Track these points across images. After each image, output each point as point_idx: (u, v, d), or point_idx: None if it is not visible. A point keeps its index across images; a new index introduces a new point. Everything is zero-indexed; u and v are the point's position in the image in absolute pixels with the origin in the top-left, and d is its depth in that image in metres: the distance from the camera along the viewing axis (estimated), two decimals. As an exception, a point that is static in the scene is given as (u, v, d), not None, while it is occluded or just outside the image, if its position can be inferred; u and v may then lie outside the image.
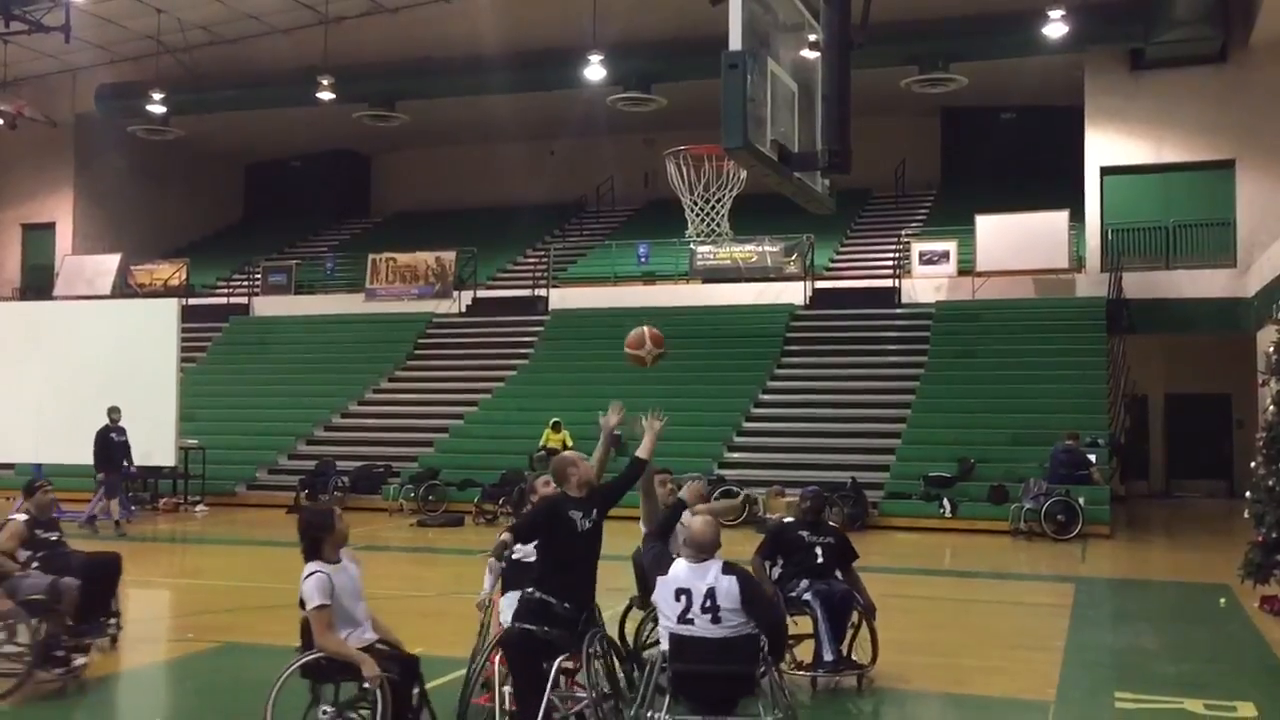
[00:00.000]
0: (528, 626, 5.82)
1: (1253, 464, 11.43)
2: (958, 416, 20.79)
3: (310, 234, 34.72)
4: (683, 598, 5.52)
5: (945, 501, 18.17)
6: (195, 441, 20.32)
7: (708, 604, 5.43)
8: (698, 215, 10.14)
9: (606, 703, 5.95)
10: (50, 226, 31.55)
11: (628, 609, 7.66)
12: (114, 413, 17.59)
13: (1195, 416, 24.48)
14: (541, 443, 20.45)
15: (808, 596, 7.67)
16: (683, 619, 5.48)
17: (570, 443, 20.68)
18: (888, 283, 25.05)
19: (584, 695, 5.89)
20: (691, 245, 24.90)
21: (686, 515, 6.95)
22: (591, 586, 6.09)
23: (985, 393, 21.42)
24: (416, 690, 5.77)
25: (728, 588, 5.55)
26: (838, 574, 7.99)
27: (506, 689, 6.04)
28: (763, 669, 5.67)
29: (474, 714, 6.15)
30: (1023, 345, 22.40)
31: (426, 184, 34.77)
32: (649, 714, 5.42)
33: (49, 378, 18.30)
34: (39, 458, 18.81)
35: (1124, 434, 21.45)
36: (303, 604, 5.65)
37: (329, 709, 5.60)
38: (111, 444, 17.38)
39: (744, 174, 8.68)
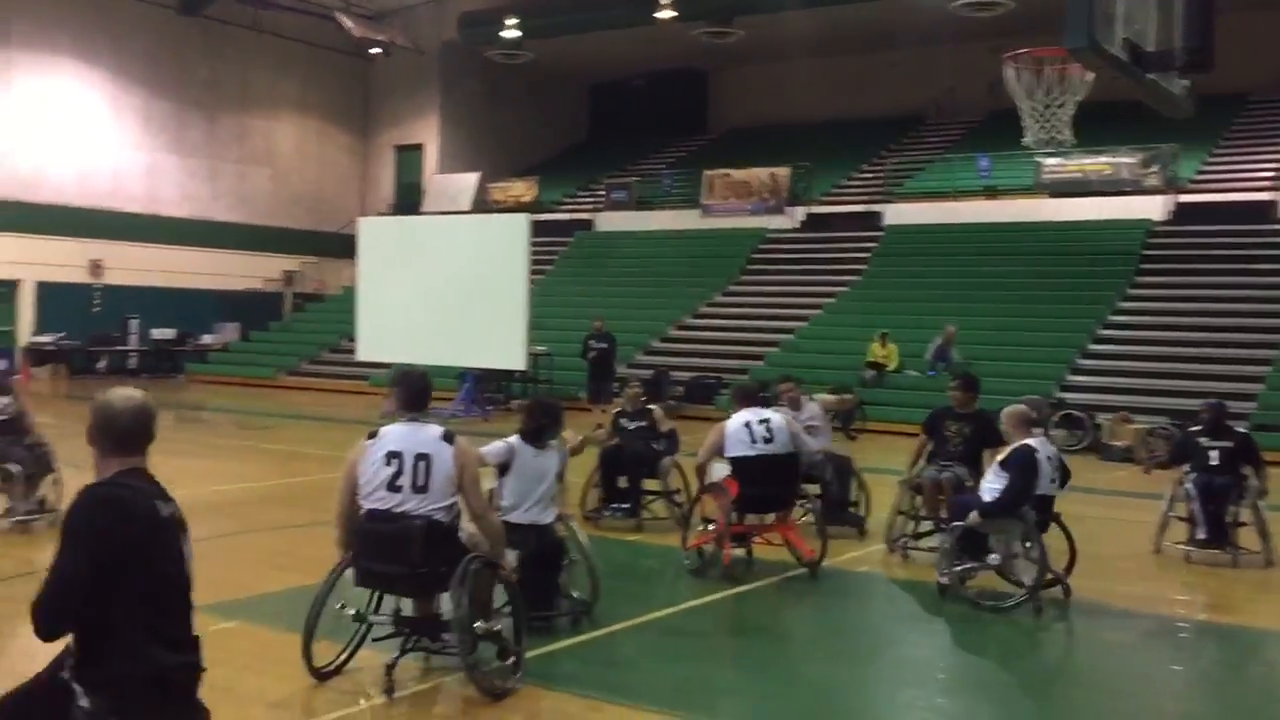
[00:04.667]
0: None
1: None
2: (1341, 344, 18.71)
3: (650, 151, 35.69)
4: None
5: (1322, 436, 16.49)
6: (544, 348, 21.67)
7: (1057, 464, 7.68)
8: (1036, 121, 9.66)
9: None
10: (418, 148, 34.31)
11: None
12: (597, 321, 19.13)
13: None
14: (868, 356, 20.30)
15: (1189, 485, 9.43)
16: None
17: (896, 359, 20.38)
18: (1265, 195, 22.71)
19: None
20: (1038, 158, 23.58)
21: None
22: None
23: (1378, 318, 19.12)
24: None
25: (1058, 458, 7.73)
26: (1245, 472, 9.37)
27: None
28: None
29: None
30: None
31: (762, 99, 34.78)
32: (956, 565, 7.49)
33: (417, 285, 19.91)
34: (409, 358, 20.70)
35: None
36: None
37: None
38: (590, 350, 19.01)
39: (1090, 78, 8.17)
